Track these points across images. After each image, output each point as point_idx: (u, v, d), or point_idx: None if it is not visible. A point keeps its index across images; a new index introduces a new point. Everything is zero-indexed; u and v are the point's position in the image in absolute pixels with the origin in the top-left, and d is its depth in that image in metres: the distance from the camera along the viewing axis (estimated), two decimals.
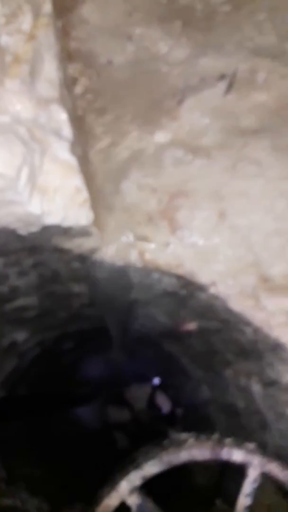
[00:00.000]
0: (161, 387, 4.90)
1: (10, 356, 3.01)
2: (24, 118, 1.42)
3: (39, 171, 1.41)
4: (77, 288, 2.42)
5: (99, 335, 3.68)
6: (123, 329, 2.86)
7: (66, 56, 1.81)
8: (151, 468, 1.78)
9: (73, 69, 1.89)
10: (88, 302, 2.75)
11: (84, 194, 1.51)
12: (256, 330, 2.04)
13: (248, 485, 1.91)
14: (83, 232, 1.65)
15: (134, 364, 4.91)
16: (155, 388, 4.97)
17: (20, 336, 2.86)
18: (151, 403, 4.89)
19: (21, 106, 1.42)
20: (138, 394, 5.03)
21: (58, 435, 4.54)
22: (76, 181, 1.48)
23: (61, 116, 1.50)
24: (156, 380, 5.00)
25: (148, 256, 1.91)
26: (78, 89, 1.91)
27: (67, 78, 1.76)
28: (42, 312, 2.60)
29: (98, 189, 1.82)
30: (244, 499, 1.93)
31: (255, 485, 1.92)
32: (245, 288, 1.90)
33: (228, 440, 1.97)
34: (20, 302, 2.32)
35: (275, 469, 1.88)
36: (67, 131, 1.50)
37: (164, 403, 4.81)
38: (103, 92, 1.94)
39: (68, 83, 1.74)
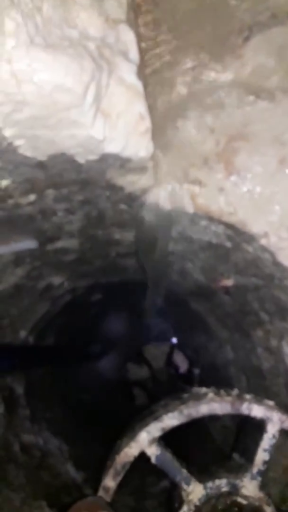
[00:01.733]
0: (181, 346, 4.96)
1: (44, 300, 3.04)
2: (92, 35, 1.33)
3: (105, 92, 1.34)
4: (118, 235, 2.39)
5: (127, 289, 3.69)
6: (156, 284, 2.84)
7: None
8: (170, 420, 1.80)
9: None
10: (125, 252, 2.73)
11: (147, 123, 1.44)
12: None
13: (267, 440, 1.93)
14: (140, 167, 1.60)
15: (156, 322, 4.95)
16: (174, 347, 5.04)
17: (56, 280, 2.87)
18: (169, 361, 4.97)
19: (90, 22, 1.34)
20: (157, 352, 5.11)
21: (80, 384, 4.67)
22: (140, 107, 1.41)
23: (130, 38, 1.42)
24: (175, 339, 5.06)
25: (200, 201, 1.85)
26: (140, 18, 1.80)
27: (133, 1, 1.65)
28: (80, 257, 2.59)
29: (154, 123, 1.74)
30: (262, 454, 1.96)
31: (274, 441, 1.95)
32: None
33: (248, 396, 1.97)
34: (62, 243, 2.30)
35: None
36: (134, 53, 1.42)
37: (182, 362, 4.88)
38: (165, 23, 1.82)
39: (134, 7, 1.63)
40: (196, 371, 4.61)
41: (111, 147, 1.42)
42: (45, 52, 1.16)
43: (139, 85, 1.41)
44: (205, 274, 2.78)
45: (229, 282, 2.54)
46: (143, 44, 1.80)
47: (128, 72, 1.39)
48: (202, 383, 4.59)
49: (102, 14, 1.38)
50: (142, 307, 3.85)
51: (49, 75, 1.17)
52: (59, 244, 2.33)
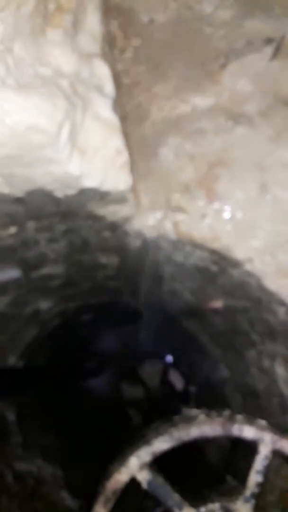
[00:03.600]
0: (175, 364, 4.91)
1: (32, 324, 3.01)
2: (66, 71, 1.33)
3: (80, 129, 1.33)
4: (104, 259, 2.37)
5: (119, 309, 3.66)
6: (146, 305, 2.82)
7: (107, 11, 1.70)
8: (161, 444, 1.76)
9: (113, 26, 1.79)
10: (113, 275, 2.71)
11: (124, 157, 1.44)
12: None
13: (259, 462, 1.88)
14: (120, 198, 1.59)
15: (149, 341, 4.91)
16: (169, 366, 4.98)
17: (44, 305, 2.85)
18: (165, 380, 4.91)
19: (63, 59, 1.34)
20: (151, 371, 5.05)
21: (73, 408, 4.60)
22: (117, 141, 1.41)
23: (104, 72, 1.42)
24: (170, 357, 5.00)
25: (182, 228, 1.84)
26: (117, 48, 1.81)
27: (108, 34, 1.66)
28: (67, 282, 2.57)
29: (134, 152, 1.74)
30: (255, 476, 1.90)
31: (266, 462, 1.90)
32: (282, 266, 1.82)
33: (239, 417, 1.94)
34: (47, 270, 2.28)
35: (287, 446, 1.84)
36: (109, 87, 1.42)
37: (177, 381, 4.82)
38: (143, 52, 1.84)
39: (109, 39, 1.64)
40: (192, 389, 4.56)
41: (89, 182, 1.41)
42: (16, 94, 1.16)
43: (115, 119, 1.40)
44: (194, 295, 2.76)
45: (218, 304, 2.53)
46: (119, 74, 1.81)
47: (103, 107, 1.39)
48: (198, 402, 4.54)
49: (75, 50, 1.38)
50: (134, 326, 3.82)
51: (21, 116, 1.17)
52: (44, 270, 2.31)
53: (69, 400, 4.52)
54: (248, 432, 1.87)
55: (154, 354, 5.09)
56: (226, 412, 1.99)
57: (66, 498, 3.57)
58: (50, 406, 4.14)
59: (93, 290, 2.99)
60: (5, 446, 3.32)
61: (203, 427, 1.84)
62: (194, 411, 2.01)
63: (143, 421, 4.69)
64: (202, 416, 1.92)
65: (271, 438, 1.87)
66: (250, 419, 1.95)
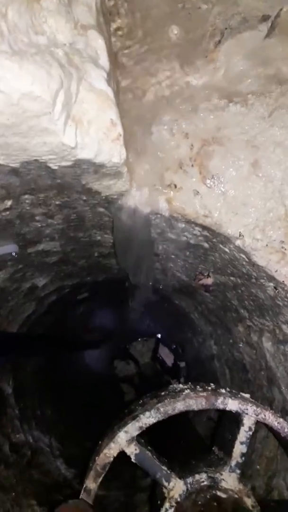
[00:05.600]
0: (166, 341, 5.01)
1: (29, 301, 3.06)
2: (61, 41, 1.34)
3: (75, 100, 1.35)
4: (99, 236, 2.41)
5: (113, 287, 3.72)
6: (138, 282, 2.87)
7: None
8: (148, 419, 1.82)
9: (109, 0, 1.78)
10: (108, 252, 2.75)
11: (119, 129, 1.46)
12: (278, 286, 2.04)
13: (243, 433, 1.96)
14: (114, 172, 1.62)
15: (141, 318, 4.99)
16: (159, 342, 5.09)
17: (40, 281, 2.89)
18: (155, 356, 5.02)
19: (58, 28, 1.34)
20: (143, 348, 5.15)
21: (69, 382, 4.70)
22: (111, 113, 1.43)
23: (99, 44, 1.43)
24: (159, 335, 5.10)
25: (176, 203, 1.88)
26: (113, 22, 1.81)
27: (104, 6, 1.66)
28: (63, 259, 2.60)
29: (128, 128, 1.76)
30: (239, 447, 1.98)
31: (250, 433, 1.96)
32: (272, 242, 1.87)
33: (223, 390, 2.00)
34: (43, 246, 2.31)
35: (270, 417, 1.92)
36: (104, 60, 1.43)
37: (167, 357, 4.94)
38: (138, 27, 1.84)
39: (104, 12, 1.64)
40: (182, 364, 4.68)
41: (84, 154, 1.43)
42: (10, 60, 1.16)
43: (109, 91, 1.42)
44: (186, 273, 2.82)
45: (208, 281, 2.59)
46: (115, 49, 1.82)
47: (98, 79, 1.40)
48: (188, 377, 4.67)
49: (70, 20, 1.38)
50: (127, 304, 3.88)
51: (16, 83, 1.17)
52: (41, 246, 2.35)
53: (65, 374, 4.62)
54: (232, 405, 1.93)
55: (145, 332, 5.19)
56: (211, 386, 2.07)
57: (62, 468, 3.69)
58: (46, 379, 4.23)
59: (88, 268, 3.04)
60: (2, 418, 3.40)
61: (188, 401, 1.89)
62: (180, 386, 2.08)
63: (135, 395, 4.81)
64: (187, 391, 1.99)
65: (254, 410, 1.94)
66: (234, 392, 2.03)
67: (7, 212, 1.84)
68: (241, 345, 3.04)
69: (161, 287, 3.43)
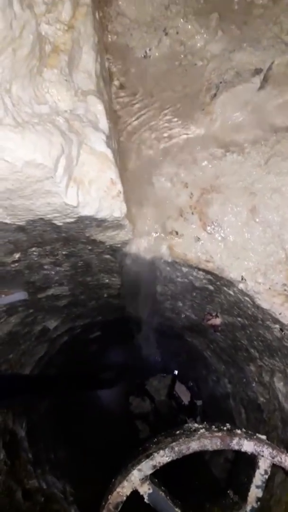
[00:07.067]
0: (181, 378, 4.94)
1: (40, 343, 3.10)
2: (62, 108, 1.44)
3: (76, 163, 1.44)
4: (107, 279, 2.46)
5: (125, 325, 3.73)
6: (149, 321, 2.90)
7: (103, 48, 1.83)
8: (162, 458, 1.79)
9: (109, 62, 1.91)
10: (117, 293, 2.80)
11: (119, 187, 1.54)
12: (284, 328, 2.04)
13: (259, 476, 1.90)
14: (116, 225, 1.68)
15: (156, 355, 4.96)
16: (175, 379, 5.02)
17: (51, 323, 2.94)
18: (171, 394, 4.94)
19: (60, 97, 1.44)
20: (158, 385, 5.08)
21: (82, 421, 4.64)
22: (111, 173, 1.51)
23: (98, 108, 1.53)
24: (176, 372, 5.03)
25: (178, 250, 1.93)
26: (114, 82, 1.94)
27: (104, 70, 1.78)
28: (72, 301, 2.66)
29: (130, 181, 1.85)
30: (255, 491, 1.92)
31: (266, 476, 1.91)
32: (275, 285, 1.89)
33: (239, 431, 1.97)
34: (53, 291, 2.38)
35: (286, 460, 1.87)
36: (103, 123, 1.53)
37: (183, 394, 4.85)
38: (138, 85, 1.95)
39: (104, 75, 1.76)
40: (199, 402, 4.59)
41: (86, 211, 1.51)
42: (14, 132, 1.26)
43: (109, 152, 1.51)
44: (195, 312, 2.83)
45: (217, 321, 2.59)
46: (116, 106, 1.93)
47: (98, 142, 1.49)
48: (204, 415, 4.56)
49: (71, 88, 1.49)
50: (140, 342, 3.88)
51: (19, 152, 1.27)
52: (50, 291, 2.41)
53: (79, 414, 4.57)
54: (247, 446, 1.89)
55: (161, 369, 5.13)
56: (227, 426, 2.04)
57: None
58: (60, 420, 4.20)
59: (99, 308, 3.08)
60: (15, 463, 3.37)
61: (203, 440, 1.87)
62: (195, 425, 2.06)
63: (150, 433, 4.71)
64: (202, 430, 1.96)
65: (270, 452, 1.90)
66: (250, 433, 1.99)
67: (16, 264, 1.91)
68: (254, 384, 2.99)
69: (172, 326, 3.43)
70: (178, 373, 4.95)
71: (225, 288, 2.09)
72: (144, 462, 1.80)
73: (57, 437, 4.08)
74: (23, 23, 1.19)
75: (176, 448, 1.83)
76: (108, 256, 2.12)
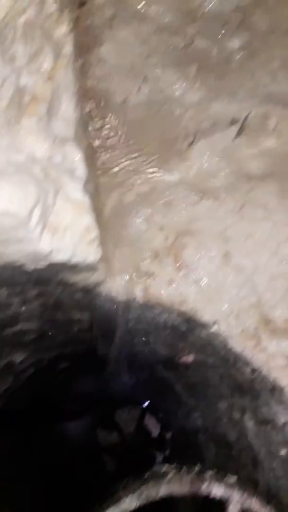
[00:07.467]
0: (151, 411, 4.87)
1: (5, 376, 2.99)
2: (39, 157, 1.44)
3: (51, 210, 1.43)
4: (78, 315, 2.43)
5: (94, 357, 3.67)
6: (119, 356, 2.86)
7: (83, 93, 1.85)
8: (130, 503, 1.76)
9: (89, 106, 1.93)
10: (87, 327, 2.75)
11: (94, 233, 1.53)
12: (255, 370, 2.05)
13: None
14: (90, 268, 1.67)
15: (125, 387, 4.88)
16: (145, 412, 4.94)
17: (17, 357, 2.85)
18: (140, 426, 4.85)
19: (37, 145, 1.44)
20: (127, 417, 4.99)
21: (46, 458, 4.48)
22: (87, 220, 1.51)
23: (76, 156, 1.53)
24: (145, 404, 4.96)
25: (152, 291, 1.93)
26: (93, 126, 1.96)
27: (83, 115, 1.79)
28: (41, 336, 2.60)
29: (106, 223, 1.85)
30: None
31: None
32: (247, 328, 1.91)
33: (209, 474, 1.95)
34: (20, 326, 2.31)
35: (256, 505, 1.86)
36: (81, 171, 1.53)
37: (153, 427, 4.78)
38: (117, 130, 1.98)
39: (84, 121, 1.77)
40: (168, 435, 4.52)
41: (59, 257, 1.49)
42: None
43: (85, 199, 1.50)
44: (167, 349, 2.81)
45: (189, 359, 2.59)
46: (95, 150, 1.94)
47: (74, 189, 1.49)
48: (173, 449, 4.49)
49: (49, 136, 1.49)
50: (110, 374, 3.81)
51: None
52: (18, 327, 2.35)
53: (42, 448, 4.41)
54: (216, 490, 1.87)
55: (130, 401, 5.04)
56: (196, 468, 2.01)
57: None
58: (21, 458, 4.03)
59: (68, 341, 3.02)
60: None
61: (172, 485, 1.85)
62: (164, 467, 2.02)
63: (117, 466, 4.59)
64: (171, 474, 1.93)
65: (240, 497, 1.89)
66: (220, 476, 1.96)
67: None
68: (224, 421, 2.98)
69: (144, 359, 3.40)
70: (148, 405, 4.88)
71: (198, 329, 2.10)
72: (111, 508, 1.75)
73: (19, 473, 3.90)
74: (4, 77, 1.19)
75: (144, 493, 1.79)
76: (80, 296, 2.09)
